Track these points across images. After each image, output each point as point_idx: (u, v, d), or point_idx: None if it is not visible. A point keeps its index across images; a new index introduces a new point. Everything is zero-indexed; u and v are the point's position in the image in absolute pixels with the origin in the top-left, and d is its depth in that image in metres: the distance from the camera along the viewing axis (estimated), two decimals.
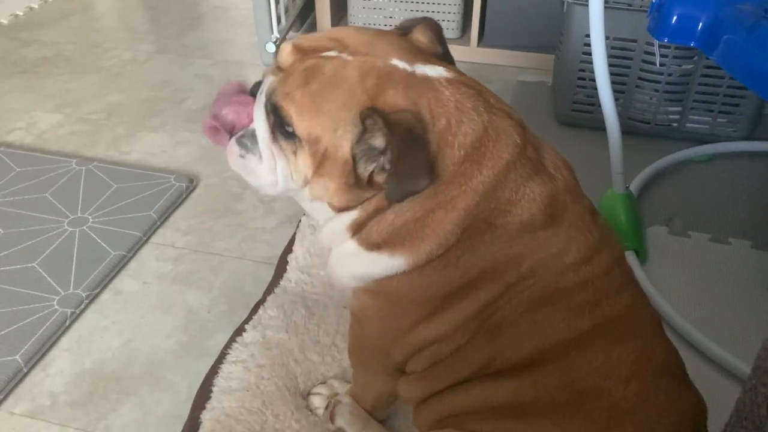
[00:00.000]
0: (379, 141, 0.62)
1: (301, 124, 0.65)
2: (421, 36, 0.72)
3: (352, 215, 0.68)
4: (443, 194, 0.64)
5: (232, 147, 0.72)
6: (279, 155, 0.68)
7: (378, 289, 0.70)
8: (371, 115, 0.62)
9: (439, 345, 0.70)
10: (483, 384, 0.67)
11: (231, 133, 0.72)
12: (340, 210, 0.69)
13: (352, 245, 0.70)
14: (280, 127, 0.67)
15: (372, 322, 0.75)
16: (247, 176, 0.73)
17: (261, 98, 0.69)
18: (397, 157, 0.61)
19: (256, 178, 0.72)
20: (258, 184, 0.72)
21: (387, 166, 0.63)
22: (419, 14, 1.94)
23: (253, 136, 0.70)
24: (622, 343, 0.65)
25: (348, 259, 0.71)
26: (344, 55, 0.66)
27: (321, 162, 0.66)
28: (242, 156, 0.71)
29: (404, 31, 0.72)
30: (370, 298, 0.72)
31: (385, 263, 0.67)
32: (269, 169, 0.69)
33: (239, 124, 0.72)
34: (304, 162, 0.67)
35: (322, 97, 0.64)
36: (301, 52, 0.68)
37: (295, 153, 0.67)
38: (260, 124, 0.69)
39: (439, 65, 0.67)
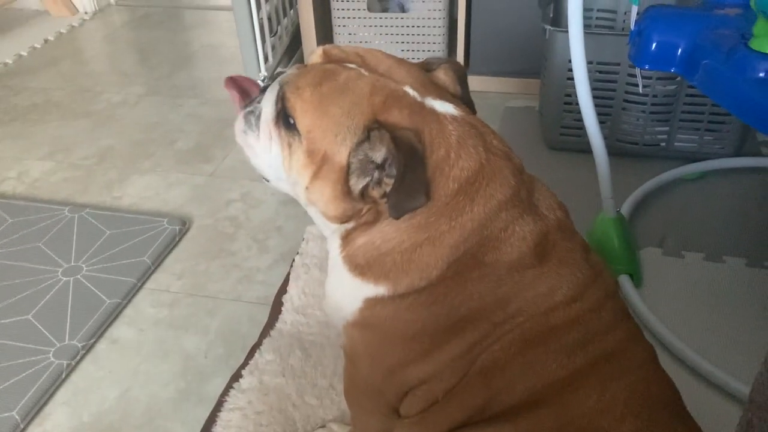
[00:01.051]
0: (379, 154, 0.64)
1: (303, 121, 0.67)
2: (443, 74, 0.74)
3: (348, 226, 0.70)
4: (433, 228, 0.65)
5: (239, 120, 0.76)
6: (276, 140, 0.71)
7: (366, 323, 0.70)
8: (378, 128, 0.64)
9: (429, 385, 0.70)
10: (479, 431, 0.67)
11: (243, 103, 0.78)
12: (335, 220, 0.70)
13: (341, 266, 0.71)
14: (284, 116, 0.69)
15: (362, 359, 0.75)
16: (247, 152, 0.76)
17: (276, 83, 0.72)
18: (402, 173, 0.62)
19: (254, 156, 0.75)
20: (255, 163, 0.76)
21: (388, 181, 0.64)
22: (405, 45, 1.97)
23: (258, 114, 0.73)
24: (616, 380, 0.65)
25: (337, 281, 0.72)
26: (362, 70, 0.69)
27: (319, 166, 0.67)
28: (245, 132, 0.75)
29: (429, 67, 0.75)
30: (359, 334, 0.73)
31: (369, 290, 0.68)
32: (264, 148, 0.72)
33: (252, 92, 0.79)
34: (298, 159, 0.69)
35: (329, 100, 0.66)
36: (328, 57, 0.72)
37: (290, 145, 0.69)
38: (267, 106, 0.72)
39: (451, 103, 0.70)
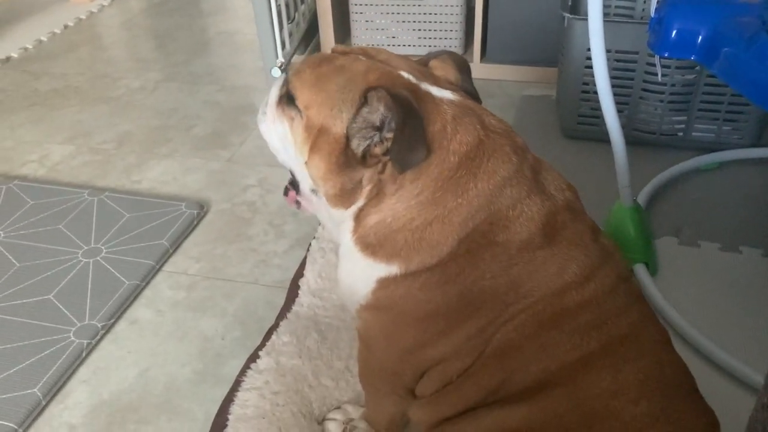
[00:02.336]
0: (377, 115, 0.67)
1: (301, 96, 0.72)
2: (440, 66, 0.77)
3: (356, 206, 0.72)
4: (441, 205, 0.67)
5: (259, 112, 0.81)
6: (281, 118, 0.76)
7: (379, 305, 0.71)
8: (376, 90, 0.66)
9: (444, 365, 0.71)
10: (493, 412, 0.67)
11: None
12: (336, 199, 0.72)
13: (353, 249, 0.72)
14: (287, 96, 0.74)
15: (377, 342, 0.76)
16: (264, 136, 0.81)
17: (285, 74, 0.79)
18: (401, 124, 0.65)
19: (267, 138, 0.80)
20: (271, 146, 0.81)
21: (389, 136, 0.66)
22: (422, 33, 1.97)
23: (268, 102, 0.79)
24: (630, 362, 0.65)
25: (350, 265, 0.73)
26: (360, 56, 0.74)
27: (316, 139, 0.71)
28: (259, 119, 0.81)
29: (426, 60, 0.78)
30: (373, 317, 0.74)
31: (381, 270, 0.70)
32: (272, 129, 0.78)
33: None
34: (298, 133, 0.73)
35: (326, 78, 0.71)
36: (336, 51, 0.77)
37: (292, 120, 0.74)
38: (274, 90, 0.78)
39: (448, 90, 0.72)
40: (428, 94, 0.70)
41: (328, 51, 0.79)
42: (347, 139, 0.69)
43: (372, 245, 0.70)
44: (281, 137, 0.76)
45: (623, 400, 0.63)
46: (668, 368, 0.67)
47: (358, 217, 0.72)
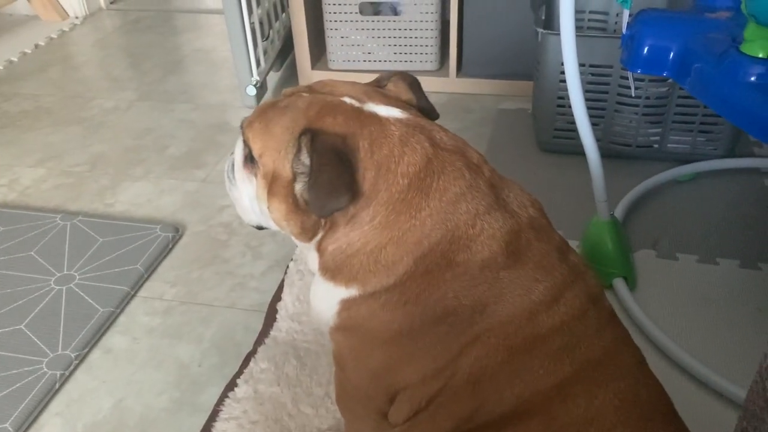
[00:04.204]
0: (306, 158, 0.68)
1: (255, 146, 0.73)
2: (392, 86, 0.78)
3: (316, 239, 0.73)
4: (395, 227, 0.67)
5: (225, 179, 0.82)
6: (247, 179, 0.76)
7: (346, 325, 0.72)
8: (305, 134, 0.68)
9: (413, 390, 0.70)
10: None
11: None
12: (301, 236, 0.74)
13: (318, 274, 0.74)
14: (249, 153, 0.75)
15: (347, 363, 0.76)
16: (235, 206, 0.82)
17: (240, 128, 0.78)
18: (315, 171, 0.66)
19: (238, 206, 0.81)
20: (241, 213, 0.81)
21: (308, 180, 0.68)
22: (397, 49, 1.96)
23: (233, 164, 0.80)
24: (604, 387, 0.64)
25: (317, 288, 0.75)
26: (304, 93, 0.75)
27: (271, 184, 0.72)
28: (228, 188, 0.82)
29: (380, 83, 0.79)
30: (342, 338, 0.74)
31: (342, 292, 0.70)
32: (242, 192, 0.78)
33: None
34: (259, 185, 0.74)
35: (273, 122, 0.72)
36: (285, 95, 0.78)
37: (256, 176, 0.74)
38: (238, 152, 0.78)
39: (397, 108, 0.72)
40: (373, 116, 0.70)
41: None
42: (295, 180, 0.70)
43: (331, 270, 0.72)
44: (251, 197, 0.77)
45: (598, 427, 0.62)
46: (644, 391, 0.66)
47: (320, 248, 0.73)
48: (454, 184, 0.68)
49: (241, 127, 0.76)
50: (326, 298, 0.72)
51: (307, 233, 0.73)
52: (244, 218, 0.82)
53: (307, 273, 1.24)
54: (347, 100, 0.72)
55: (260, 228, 0.82)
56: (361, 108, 0.71)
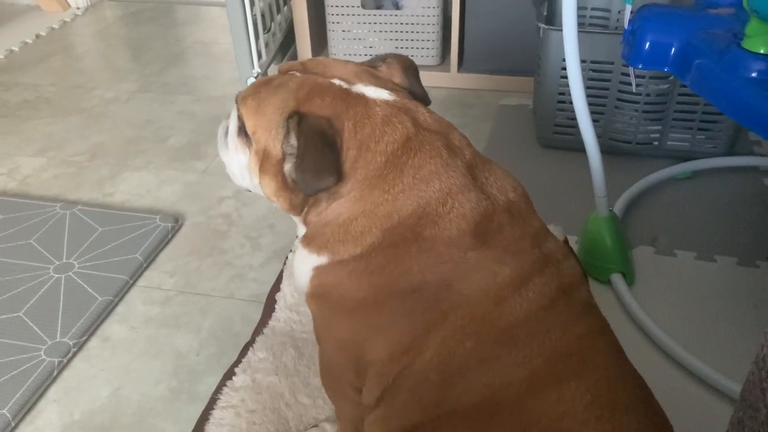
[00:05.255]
0: (294, 139, 0.70)
1: (248, 123, 0.76)
2: (386, 68, 0.80)
3: (303, 213, 0.76)
4: (369, 201, 0.69)
5: (218, 137, 0.85)
6: (239, 149, 0.79)
7: (316, 293, 0.74)
8: (293, 116, 0.71)
9: (381, 366, 0.70)
10: None
11: None
12: (290, 211, 0.77)
13: (298, 244, 0.77)
14: (242, 126, 0.77)
15: (320, 333, 0.78)
16: (226, 166, 0.85)
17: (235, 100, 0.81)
18: (302, 153, 0.69)
19: (229, 169, 0.84)
20: (230, 174, 0.84)
21: (295, 161, 0.71)
22: (399, 43, 1.96)
23: (226, 130, 0.82)
24: (576, 380, 0.62)
25: (296, 256, 0.77)
26: (296, 73, 0.77)
27: (262, 161, 0.75)
28: (220, 149, 0.85)
29: (374, 63, 0.81)
30: (315, 306, 0.76)
31: (314, 260, 0.73)
32: (233, 159, 0.81)
33: None
34: (251, 159, 0.77)
35: (265, 101, 0.74)
36: (280, 71, 0.80)
37: (248, 149, 0.78)
38: (232, 121, 0.81)
39: (386, 90, 0.74)
40: (359, 97, 0.72)
41: (285, 64, 0.82)
42: (284, 160, 0.73)
43: (307, 238, 0.75)
44: (241, 166, 0.80)
45: (571, 421, 0.60)
46: (619, 383, 0.64)
47: (305, 221, 0.76)
48: (429, 162, 0.69)
49: (236, 100, 0.78)
50: (302, 265, 0.75)
51: (296, 209, 0.76)
52: (233, 180, 0.85)
53: None
54: (336, 82, 0.73)
55: (249, 190, 0.85)
56: (349, 89, 0.73)
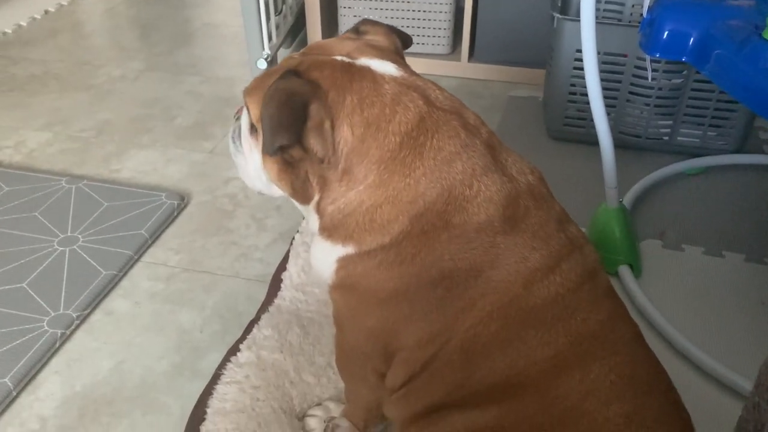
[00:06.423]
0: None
1: (253, 113, 0.73)
2: (372, 34, 0.78)
3: (315, 200, 0.73)
4: (390, 186, 0.66)
5: (229, 144, 0.82)
6: (254, 148, 0.76)
7: (343, 284, 0.72)
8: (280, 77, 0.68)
9: (408, 353, 0.70)
10: (464, 413, 0.66)
11: None
12: (295, 196, 0.74)
13: (317, 235, 0.74)
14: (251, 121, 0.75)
15: (345, 322, 0.77)
16: (238, 170, 0.82)
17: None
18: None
19: (242, 172, 0.81)
20: (245, 178, 0.81)
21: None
22: (409, 30, 1.95)
23: (238, 131, 0.79)
24: (599, 361, 0.63)
25: (315, 249, 0.74)
26: (295, 55, 0.75)
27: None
28: (233, 153, 0.81)
29: (356, 31, 0.79)
30: (340, 296, 0.74)
31: (339, 251, 0.70)
32: (248, 160, 0.78)
33: None
34: (259, 150, 0.74)
35: (265, 84, 0.70)
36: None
37: (260, 143, 0.73)
38: (244, 120, 0.78)
39: (393, 63, 0.71)
40: (365, 70, 0.69)
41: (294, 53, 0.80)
42: None
43: (329, 229, 0.71)
44: (257, 166, 0.77)
45: (594, 400, 0.61)
46: (640, 367, 0.65)
47: (319, 210, 0.72)
48: (448, 142, 0.67)
49: (244, 95, 0.76)
50: (324, 257, 0.72)
51: (298, 193, 0.73)
52: (247, 183, 0.82)
53: None
54: (338, 57, 0.71)
55: (262, 194, 0.82)
56: (353, 63, 0.70)
